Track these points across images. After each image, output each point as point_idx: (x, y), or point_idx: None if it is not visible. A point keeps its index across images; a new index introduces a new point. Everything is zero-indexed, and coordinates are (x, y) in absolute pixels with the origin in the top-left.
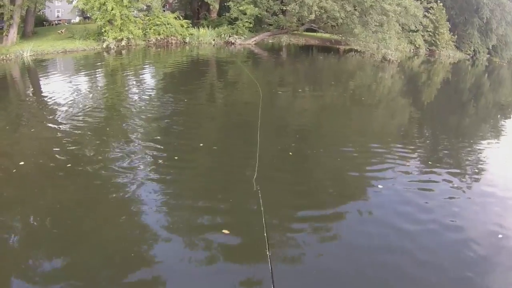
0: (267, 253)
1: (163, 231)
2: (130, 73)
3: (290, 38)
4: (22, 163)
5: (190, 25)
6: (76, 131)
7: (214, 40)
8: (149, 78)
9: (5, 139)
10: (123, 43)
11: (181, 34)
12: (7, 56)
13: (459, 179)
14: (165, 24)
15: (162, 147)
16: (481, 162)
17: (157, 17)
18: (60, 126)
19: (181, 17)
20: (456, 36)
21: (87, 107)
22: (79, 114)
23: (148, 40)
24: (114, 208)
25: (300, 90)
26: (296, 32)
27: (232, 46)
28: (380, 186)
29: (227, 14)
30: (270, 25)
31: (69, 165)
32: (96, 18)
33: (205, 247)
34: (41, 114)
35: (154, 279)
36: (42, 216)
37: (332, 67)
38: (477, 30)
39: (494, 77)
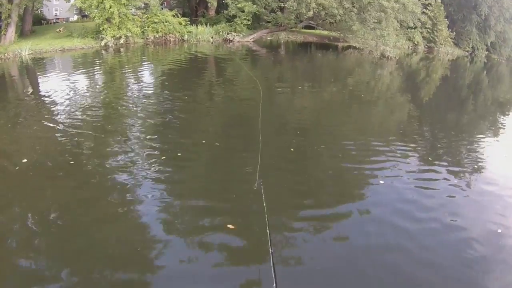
0: (270, 250)
1: (164, 230)
2: (129, 71)
3: (288, 35)
4: (21, 161)
5: (188, 22)
6: (75, 130)
7: (212, 37)
8: (147, 76)
9: (4, 138)
10: (121, 41)
11: (179, 32)
12: (5, 55)
13: (459, 177)
14: (163, 22)
15: (162, 145)
16: (481, 159)
17: (155, 15)
18: (59, 125)
19: (179, 15)
20: (454, 33)
21: (85, 105)
22: (78, 112)
23: (146, 38)
24: (114, 206)
25: (299, 87)
26: (294, 29)
27: (231, 43)
28: (381, 182)
29: (225, 12)
30: (268, 22)
31: (69, 163)
32: (94, 16)
33: (206, 246)
34: (40, 113)
35: (155, 279)
36: (41, 214)
37: (330, 64)
38: (475, 27)
39: (493, 74)
